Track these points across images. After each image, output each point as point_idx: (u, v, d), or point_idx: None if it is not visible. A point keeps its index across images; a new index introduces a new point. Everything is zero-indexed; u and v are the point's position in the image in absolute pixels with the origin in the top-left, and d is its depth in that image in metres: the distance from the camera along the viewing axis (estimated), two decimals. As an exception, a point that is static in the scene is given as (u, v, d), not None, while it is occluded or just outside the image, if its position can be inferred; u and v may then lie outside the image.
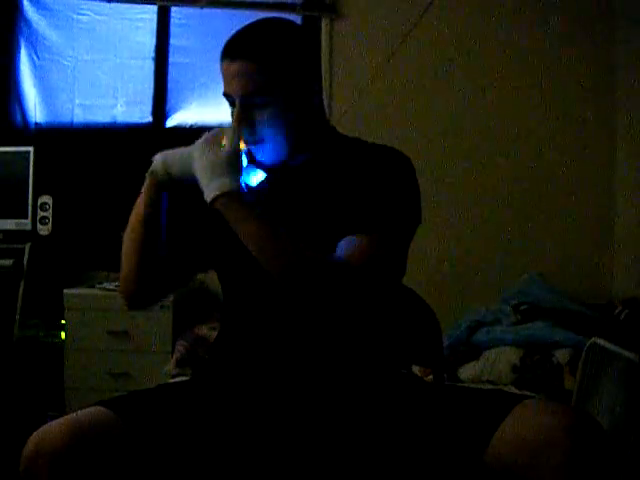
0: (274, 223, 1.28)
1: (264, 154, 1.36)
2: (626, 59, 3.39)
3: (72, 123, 3.58)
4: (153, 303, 1.51)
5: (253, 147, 1.35)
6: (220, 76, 1.38)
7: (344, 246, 1.28)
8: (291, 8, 3.47)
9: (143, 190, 1.41)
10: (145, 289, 1.43)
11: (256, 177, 1.36)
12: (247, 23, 1.39)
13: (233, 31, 1.40)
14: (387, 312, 1.46)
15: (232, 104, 1.35)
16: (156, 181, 1.38)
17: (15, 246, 3.18)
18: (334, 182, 1.36)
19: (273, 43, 1.32)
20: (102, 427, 1.18)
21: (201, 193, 1.29)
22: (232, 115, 1.35)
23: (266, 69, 1.29)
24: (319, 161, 1.40)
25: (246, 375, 1.36)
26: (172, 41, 3.59)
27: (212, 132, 1.34)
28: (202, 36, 3.55)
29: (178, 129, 3.56)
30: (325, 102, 3.53)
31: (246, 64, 1.30)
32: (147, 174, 1.39)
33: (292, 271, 1.25)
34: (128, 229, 1.43)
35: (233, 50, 1.32)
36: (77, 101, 3.58)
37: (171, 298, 3.08)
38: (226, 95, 1.35)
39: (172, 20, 3.59)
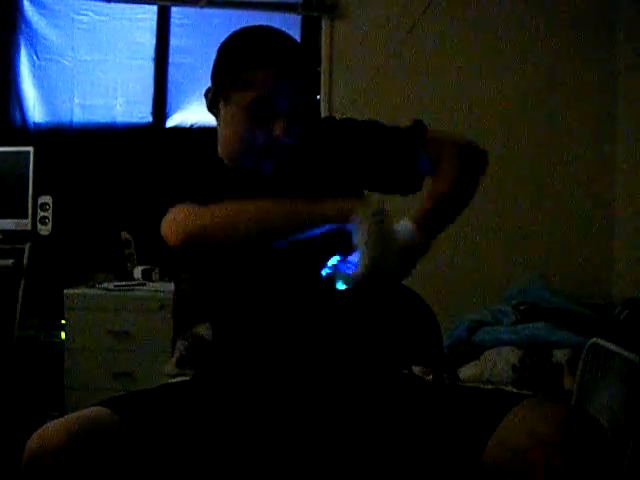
0: None
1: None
2: (628, 60, 3.39)
3: (72, 123, 3.58)
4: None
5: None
6: None
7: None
8: (291, 8, 3.47)
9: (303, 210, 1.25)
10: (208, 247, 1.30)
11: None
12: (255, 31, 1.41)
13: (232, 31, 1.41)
14: (388, 312, 1.46)
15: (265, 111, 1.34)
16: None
17: (15, 246, 3.18)
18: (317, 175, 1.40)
19: (310, 58, 1.40)
20: (103, 427, 1.18)
21: None
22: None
23: (312, 83, 1.39)
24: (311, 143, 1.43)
25: (247, 375, 1.36)
26: (172, 41, 3.59)
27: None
28: (202, 36, 3.55)
29: (178, 129, 3.56)
30: (325, 102, 3.51)
31: (299, 76, 1.35)
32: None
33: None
34: (253, 215, 1.27)
35: (285, 61, 1.34)
36: (77, 101, 3.59)
37: (171, 297, 3.09)
38: (262, 98, 1.33)
39: (172, 20, 3.59)
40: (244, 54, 1.35)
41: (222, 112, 1.40)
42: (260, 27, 1.41)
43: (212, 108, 1.43)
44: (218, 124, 1.44)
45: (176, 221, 1.30)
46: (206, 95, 1.43)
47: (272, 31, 1.40)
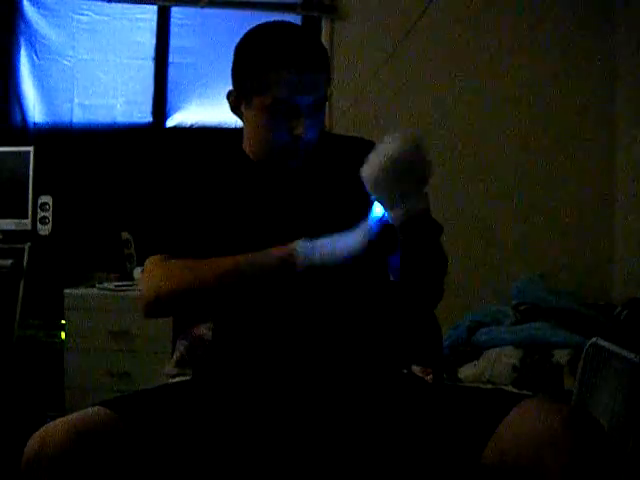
0: None
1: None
2: (627, 59, 3.40)
3: (72, 123, 3.58)
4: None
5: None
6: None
7: None
8: (291, 8, 3.47)
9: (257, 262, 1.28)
10: (176, 313, 1.41)
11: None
12: (276, 28, 1.42)
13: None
14: (388, 312, 1.46)
15: (283, 109, 1.35)
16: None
17: (15, 246, 3.18)
18: (337, 177, 1.40)
19: (325, 50, 1.41)
20: (103, 427, 1.18)
21: None
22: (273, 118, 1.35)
23: (328, 76, 1.41)
24: (315, 158, 1.42)
25: (246, 375, 1.36)
26: (172, 41, 3.58)
27: None
28: (202, 36, 3.54)
29: (178, 129, 3.56)
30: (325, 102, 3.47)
31: (318, 73, 1.36)
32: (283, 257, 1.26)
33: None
34: (210, 276, 1.30)
35: (303, 60, 1.34)
36: (77, 101, 3.58)
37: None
38: (282, 100, 1.34)
39: (172, 20, 3.59)
40: (263, 57, 1.35)
41: (245, 113, 1.41)
42: (275, 25, 1.42)
43: (235, 110, 1.44)
44: (243, 123, 1.45)
45: (149, 284, 1.35)
46: (228, 97, 1.44)
47: (288, 29, 1.41)
